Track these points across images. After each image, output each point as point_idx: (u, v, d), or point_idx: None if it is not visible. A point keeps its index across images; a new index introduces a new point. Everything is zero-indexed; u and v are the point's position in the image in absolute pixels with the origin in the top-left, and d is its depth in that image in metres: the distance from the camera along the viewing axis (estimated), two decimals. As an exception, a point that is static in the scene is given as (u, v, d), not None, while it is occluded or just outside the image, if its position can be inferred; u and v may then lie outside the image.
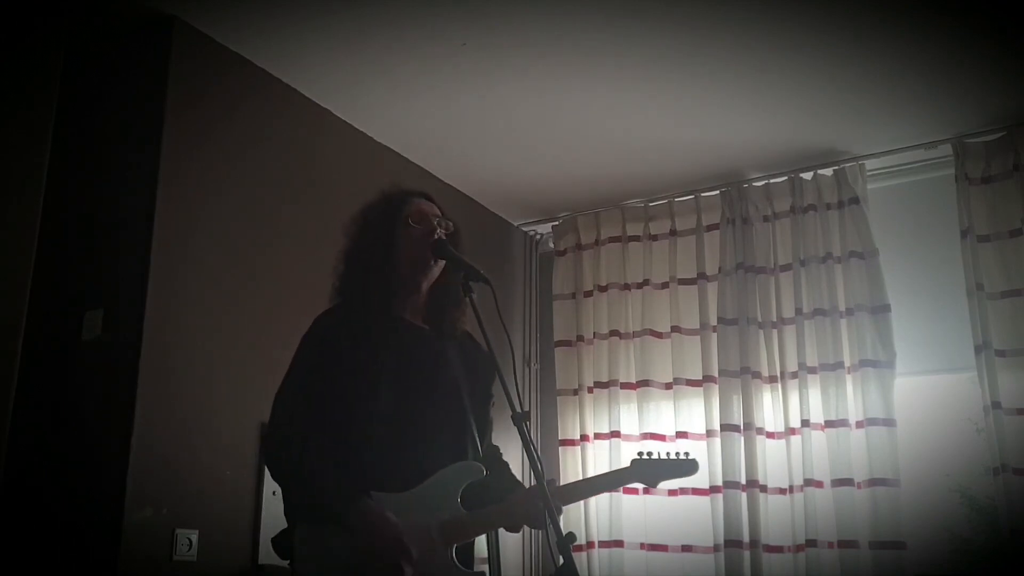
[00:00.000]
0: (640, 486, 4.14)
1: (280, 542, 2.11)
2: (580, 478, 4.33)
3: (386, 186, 2.39)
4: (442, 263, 2.25)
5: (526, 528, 2.25)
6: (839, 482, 3.84)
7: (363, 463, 2.08)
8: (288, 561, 2.08)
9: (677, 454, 2.31)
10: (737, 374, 4.16)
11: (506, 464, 2.35)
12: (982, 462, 3.82)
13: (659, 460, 2.28)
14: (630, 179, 4.47)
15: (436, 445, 2.19)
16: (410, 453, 2.14)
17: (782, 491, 3.99)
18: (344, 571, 1.99)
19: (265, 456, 2.16)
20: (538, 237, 5.04)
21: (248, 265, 3.29)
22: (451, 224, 2.30)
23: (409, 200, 2.32)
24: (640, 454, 2.31)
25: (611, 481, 2.46)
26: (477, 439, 2.24)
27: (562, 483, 4.04)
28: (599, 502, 4.26)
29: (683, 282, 4.45)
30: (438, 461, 2.15)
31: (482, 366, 2.31)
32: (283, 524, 2.13)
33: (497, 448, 2.37)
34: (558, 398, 4.61)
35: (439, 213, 2.31)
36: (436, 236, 2.24)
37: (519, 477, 2.40)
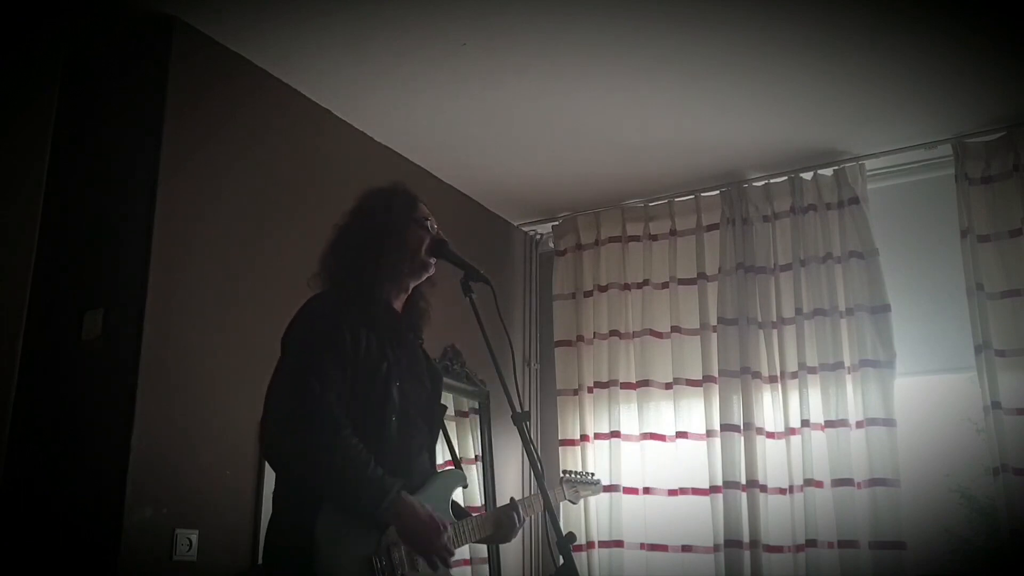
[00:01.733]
0: (640, 486, 4.20)
1: (286, 537, 2.03)
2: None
3: (392, 181, 2.41)
4: (434, 266, 2.29)
5: (526, 528, 2.30)
6: (839, 482, 3.84)
7: (385, 459, 2.07)
8: (298, 562, 1.99)
9: (590, 474, 3.04)
10: (737, 374, 4.16)
11: None
12: (982, 462, 3.82)
13: (577, 479, 2.94)
14: (630, 179, 4.47)
15: (424, 449, 2.23)
16: (412, 454, 2.17)
17: (782, 491, 3.99)
18: (368, 566, 1.99)
19: (275, 450, 2.07)
20: (538, 237, 5.04)
21: (248, 265, 3.29)
22: (440, 232, 2.34)
23: (417, 201, 2.35)
24: (564, 473, 2.96)
25: (554, 497, 2.81)
26: (445, 444, 2.31)
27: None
28: (599, 502, 4.26)
29: (683, 282, 4.45)
30: (426, 466, 2.22)
31: (436, 376, 2.38)
32: (284, 524, 2.12)
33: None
34: (558, 398, 4.60)
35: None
36: (441, 238, 2.28)
37: (519, 477, 2.47)
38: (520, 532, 2.41)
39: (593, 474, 3.07)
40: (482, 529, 2.28)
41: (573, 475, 2.97)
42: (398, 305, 2.30)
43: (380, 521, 2.02)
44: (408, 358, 2.25)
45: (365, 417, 2.08)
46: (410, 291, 2.31)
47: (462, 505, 2.39)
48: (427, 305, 2.34)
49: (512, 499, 2.43)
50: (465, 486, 2.26)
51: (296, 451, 2.01)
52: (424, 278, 2.30)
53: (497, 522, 2.29)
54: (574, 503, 2.95)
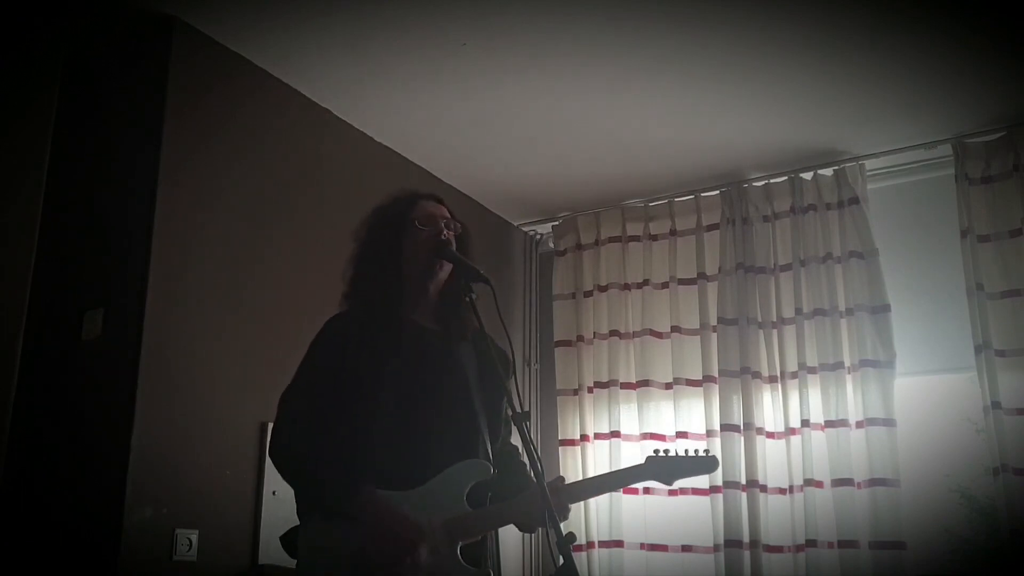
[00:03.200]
0: (640, 485, 4.18)
1: (288, 539, 2.12)
2: (581, 478, 4.33)
3: (395, 189, 2.40)
4: (450, 265, 2.26)
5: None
6: (839, 482, 3.84)
7: (367, 459, 2.09)
8: (296, 559, 2.09)
9: (696, 451, 2.26)
10: (737, 374, 4.16)
11: (523, 464, 2.33)
12: (982, 462, 3.82)
13: (676, 457, 2.24)
14: (630, 179, 4.47)
15: (444, 444, 2.19)
16: (416, 452, 2.15)
17: (782, 491, 3.99)
18: (348, 564, 1.99)
19: (272, 455, 2.16)
20: (538, 237, 5.04)
21: (248, 265, 3.29)
22: (459, 226, 2.32)
23: (416, 202, 2.34)
24: (656, 451, 2.26)
25: (625, 478, 2.41)
26: (487, 439, 2.24)
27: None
28: (599, 502, 4.25)
29: (683, 282, 4.45)
30: (446, 460, 2.16)
31: (499, 364, 2.26)
32: (284, 524, 2.14)
33: (516, 448, 2.36)
34: (558, 398, 4.60)
35: (447, 215, 2.33)
36: (442, 237, 2.25)
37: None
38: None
39: (708, 451, 2.26)
40: (504, 520, 2.22)
41: (666, 454, 2.25)
42: (423, 309, 2.29)
43: (355, 522, 2.02)
44: (423, 357, 2.24)
45: (353, 427, 2.12)
46: (434, 292, 2.30)
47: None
48: (474, 299, 2.22)
49: (560, 478, 2.25)
50: (486, 477, 2.15)
51: (276, 464, 2.16)
52: (442, 277, 2.29)
53: (528, 515, 2.20)
54: (668, 485, 2.30)
